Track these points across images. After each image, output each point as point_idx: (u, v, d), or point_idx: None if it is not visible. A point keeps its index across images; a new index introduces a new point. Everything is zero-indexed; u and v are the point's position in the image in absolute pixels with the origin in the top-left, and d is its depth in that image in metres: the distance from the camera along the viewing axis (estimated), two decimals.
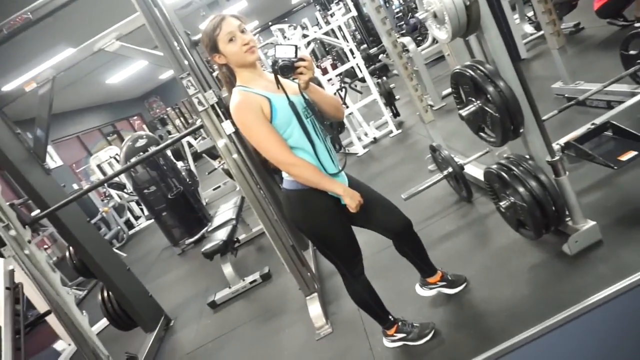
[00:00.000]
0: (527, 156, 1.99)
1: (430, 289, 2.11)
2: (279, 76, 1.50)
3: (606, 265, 1.80)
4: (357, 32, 10.17)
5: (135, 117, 15.55)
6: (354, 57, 5.39)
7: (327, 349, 2.28)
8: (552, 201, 1.87)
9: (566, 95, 3.32)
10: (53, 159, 9.16)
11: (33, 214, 3.10)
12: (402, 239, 1.88)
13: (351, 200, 1.59)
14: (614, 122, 2.27)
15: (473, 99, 1.95)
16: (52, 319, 3.14)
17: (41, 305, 3.28)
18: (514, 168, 1.94)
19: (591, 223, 1.92)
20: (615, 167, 2.05)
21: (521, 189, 1.89)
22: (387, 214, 1.81)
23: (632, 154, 2.07)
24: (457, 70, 1.96)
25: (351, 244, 1.75)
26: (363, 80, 5.62)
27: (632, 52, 2.79)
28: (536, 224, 1.91)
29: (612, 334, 1.09)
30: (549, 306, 1.73)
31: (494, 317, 1.86)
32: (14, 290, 3.30)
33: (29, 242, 2.69)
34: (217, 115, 2.48)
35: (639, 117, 2.58)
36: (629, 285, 1.00)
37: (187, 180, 5.97)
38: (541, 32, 4.66)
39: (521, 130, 1.88)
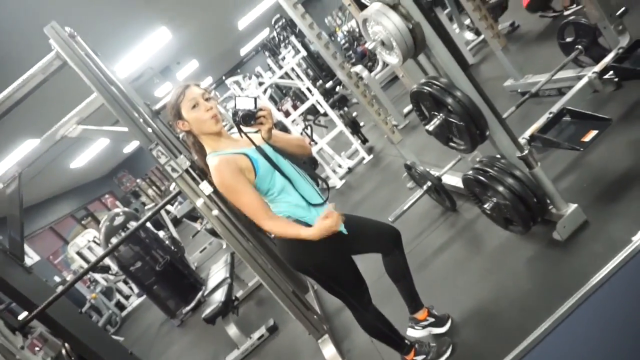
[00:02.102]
0: (499, 156, 2.06)
1: (422, 327, 2.05)
2: (241, 126, 1.54)
3: (598, 243, 1.85)
4: (309, 70, 10.46)
5: (107, 195, 15.29)
6: (312, 95, 5.53)
7: None
8: (532, 193, 1.92)
9: (519, 90, 3.48)
10: (29, 256, 8.85)
11: (20, 317, 2.97)
12: (395, 251, 1.87)
13: (331, 222, 1.52)
14: (569, 107, 2.39)
15: (435, 113, 2.03)
16: None
17: None
18: (489, 170, 2.00)
19: (573, 206, 1.98)
20: (581, 149, 2.15)
21: (501, 188, 1.94)
22: (378, 228, 1.88)
23: (593, 133, 2.18)
24: (415, 89, 2.04)
25: (356, 275, 1.76)
26: (325, 114, 5.74)
27: (568, 39, 2.97)
28: (522, 218, 1.96)
29: (624, 306, 1.12)
30: (555, 293, 1.75)
31: (506, 317, 1.87)
32: None
33: (22, 348, 2.57)
34: (193, 179, 2.48)
35: (590, 98, 2.72)
36: (628, 256, 1.04)
37: (172, 248, 5.85)
38: (482, 37, 4.91)
39: (487, 133, 1.96)
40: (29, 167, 2.90)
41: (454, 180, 2.89)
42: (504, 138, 1.99)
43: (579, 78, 2.72)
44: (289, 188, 1.61)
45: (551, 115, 2.41)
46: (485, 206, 2.09)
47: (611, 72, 2.55)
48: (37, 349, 6.51)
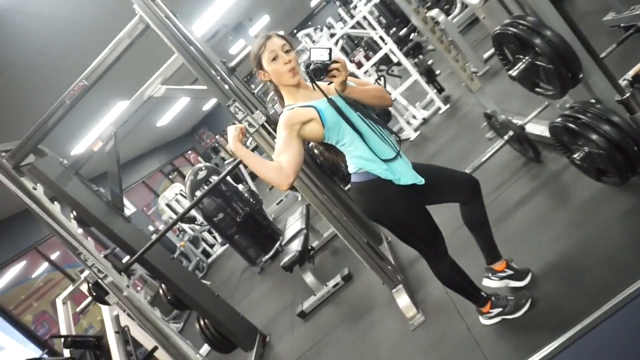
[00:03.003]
0: (593, 100, 1.87)
1: (499, 278, 1.97)
2: (314, 79, 1.54)
3: None
4: (381, 17, 10.02)
5: (190, 152, 16.28)
6: (386, 44, 5.32)
7: (424, 338, 2.27)
8: (633, 141, 1.74)
9: (622, 25, 3.07)
10: (127, 207, 9.79)
11: (123, 260, 3.35)
12: (474, 199, 1.82)
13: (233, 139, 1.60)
14: None
15: (521, 56, 1.87)
16: (160, 353, 3.37)
17: (148, 343, 3.54)
18: (581, 116, 1.83)
19: None
20: None
21: (594, 136, 1.78)
22: (456, 177, 1.84)
23: None
24: (498, 31, 1.89)
25: (431, 225, 1.74)
26: (399, 64, 5.52)
27: None
28: (619, 168, 1.79)
29: None
30: None
31: (595, 273, 1.76)
32: (122, 333, 3.59)
33: (127, 286, 2.91)
34: (269, 133, 2.55)
35: None
36: None
37: (251, 200, 6.16)
38: None
39: (580, 76, 1.78)
40: (122, 126, 3.16)
41: (539, 129, 2.69)
42: (601, 80, 1.79)
43: None
44: (358, 141, 1.61)
45: None
46: (575, 156, 1.93)
47: None
48: (138, 288, 7.35)
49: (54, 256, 7.07)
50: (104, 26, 3.47)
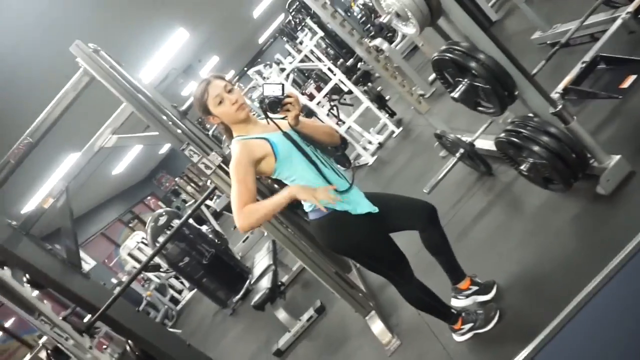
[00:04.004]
0: (531, 114, 1.99)
1: (465, 296, 2.01)
2: (268, 113, 1.56)
3: None
4: (329, 49, 10.33)
5: (149, 197, 15.85)
6: (334, 74, 5.47)
7: None
8: (570, 149, 1.86)
9: (548, 42, 3.32)
10: (86, 262, 9.35)
11: (84, 320, 3.17)
12: (432, 226, 1.85)
13: (308, 192, 1.51)
14: (604, 54, 2.27)
15: (460, 79, 1.98)
16: None
17: None
18: (522, 130, 1.94)
19: (616, 157, 1.90)
20: (620, 97, 2.04)
21: (536, 148, 1.88)
22: (411, 205, 1.86)
23: (632, 78, 2.07)
24: (436, 57, 1.99)
25: (393, 250, 1.77)
26: (350, 92, 5.68)
27: None
28: (562, 175, 1.90)
29: None
30: (603, 251, 1.68)
31: (554, 278, 1.83)
32: None
33: (90, 348, 2.75)
34: (226, 172, 2.54)
35: (626, 40, 2.56)
36: None
37: (216, 241, 6.03)
38: None
39: (516, 93, 1.89)
40: (74, 179, 3.06)
41: (487, 144, 2.82)
42: (535, 95, 1.91)
43: (613, 20, 2.56)
44: (312, 173, 1.62)
45: (584, 65, 2.30)
46: (522, 167, 2.03)
47: None
48: (104, 347, 6.94)
49: (8, 323, 6.60)
50: (48, 81, 3.40)
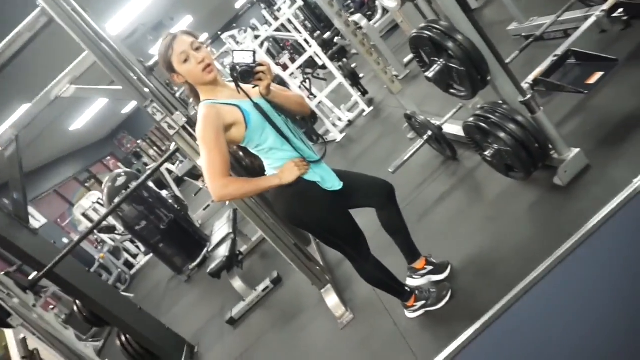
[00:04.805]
0: (501, 101, 2.01)
1: (420, 276, 2.05)
2: (239, 82, 1.49)
3: (599, 187, 1.83)
4: (306, 22, 10.12)
5: (109, 157, 15.30)
6: (310, 47, 5.37)
7: (354, 335, 2.29)
8: (534, 139, 1.89)
9: (523, 34, 3.36)
10: (36, 219, 8.97)
11: (31, 277, 3.04)
12: (388, 206, 1.87)
13: (293, 171, 1.58)
14: (575, 49, 2.31)
15: (436, 59, 1.97)
16: None
17: None
18: (490, 116, 1.96)
19: (575, 150, 1.96)
20: (586, 92, 2.09)
21: (502, 135, 1.91)
22: (371, 183, 1.87)
23: (598, 75, 2.11)
24: (415, 34, 1.97)
25: (353, 227, 1.76)
26: (324, 67, 5.60)
27: None
28: (524, 164, 1.94)
29: (624, 246, 1.12)
30: (555, 239, 1.74)
31: (507, 262, 1.88)
32: (31, 358, 3.25)
33: (34, 306, 2.64)
34: (191, 135, 2.45)
35: (598, 39, 2.62)
36: (628, 197, 1.03)
37: (176, 206, 5.90)
38: None
39: (489, 78, 1.90)
40: (25, 129, 2.87)
41: (454, 129, 2.85)
42: (506, 83, 1.93)
43: (586, 18, 2.61)
44: (283, 144, 1.59)
45: (555, 58, 2.34)
46: (486, 153, 2.07)
47: (620, 10, 2.44)
48: (51, 307, 6.75)
49: None
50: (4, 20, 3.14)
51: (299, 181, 1.60)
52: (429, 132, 2.82)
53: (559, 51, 2.37)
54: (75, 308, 3.64)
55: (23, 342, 3.28)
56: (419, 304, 1.95)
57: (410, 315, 1.99)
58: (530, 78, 2.35)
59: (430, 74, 2.00)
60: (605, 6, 2.47)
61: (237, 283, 3.46)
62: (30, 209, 7.70)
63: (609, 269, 1.08)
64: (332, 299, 2.48)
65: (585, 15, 2.69)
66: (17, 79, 4.26)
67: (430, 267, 2.04)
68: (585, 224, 1.10)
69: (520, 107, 1.92)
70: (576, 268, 1.04)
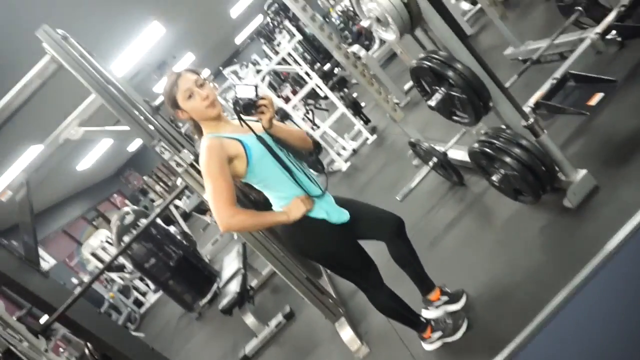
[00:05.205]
0: (504, 126, 2.03)
1: (436, 307, 2.00)
2: (242, 115, 1.52)
3: (610, 208, 1.82)
4: (306, 54, 10.34)
5: (116, 195, 15.40)
6: (311, 78, 5.47)
7: None
8: (540, 162, 1.90)
9: (520, 58, 3.41)
10: (45, 260, 8.97)
11: (41, 320, 3.02)
12: (398, 239, 1.85)
13: (300, 207, 1.58)
14: (573, 72, 2.34)
15: (437, 87, 2.00)
16: None
17: None
18: (495, 141, 1.97)
19: (582, 172, 1.96)
20: (588, 113, 2.11)
21: (508, 159, 1.92)
22: (380, 217, 1.85)
23: (599, 96, 2.14)
24: (414, 65, 2.01)
25: (363, 257, 1.75)
26: (326, 97, 5.69)
27: (567, 1, 2.89)
28: (532, 187, 1.94)
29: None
30: (570, 262, 1.73)
31: (522, 289, 1.86)
32: None
33: (46, 351, 2.62)
34: (198, 172, 2.48)
35: (594, 60, 2.66)
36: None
37: (184, 242, 5.89)
38: (479, 6, 4.80)
39: (490, 104, 1.93)
40: (35, 172, 2.91)
41: (460, 154, 2.86)
42: (508, 108, 1.95)
43: (581, 40, 2.66)
44: (286, 180, 1.60)
45: (555, 81, 2.37)
46: (493, 178, 2.07)
47: (614, 32, 2.49)
48: (61, 350, 6.66)
49: None
50: (11, 64, 3.24)
51: (306, 218, 1.60)
52: (434, 159, 2.83)
53: (558, 74, 2.40)
54: (86, 351, 3.59)
55: None
56: (436, 335, 1.91)
57: (427, 347, 1.95)
58: (531, 101, 2.37)
59: (432, 102, 2.03)
60: (599, 29, 2.52)
61: (250, 319, 3.41)
62: (40, 251, 7.71)
63: (630, 294, 1.06)
64: (346, 333, 2.44)
65: (580, 37, 2.75)
66: (23, 121, 4.35)
67: (445, 298, 2.00)
68: (602, 249, 1.10)
69: (524, 131, 1.94)
70: (596, 296, 1.03)
